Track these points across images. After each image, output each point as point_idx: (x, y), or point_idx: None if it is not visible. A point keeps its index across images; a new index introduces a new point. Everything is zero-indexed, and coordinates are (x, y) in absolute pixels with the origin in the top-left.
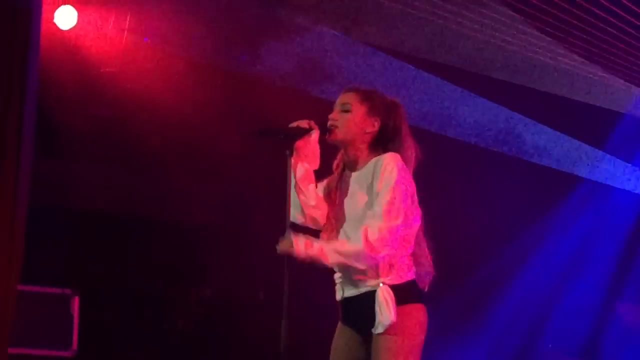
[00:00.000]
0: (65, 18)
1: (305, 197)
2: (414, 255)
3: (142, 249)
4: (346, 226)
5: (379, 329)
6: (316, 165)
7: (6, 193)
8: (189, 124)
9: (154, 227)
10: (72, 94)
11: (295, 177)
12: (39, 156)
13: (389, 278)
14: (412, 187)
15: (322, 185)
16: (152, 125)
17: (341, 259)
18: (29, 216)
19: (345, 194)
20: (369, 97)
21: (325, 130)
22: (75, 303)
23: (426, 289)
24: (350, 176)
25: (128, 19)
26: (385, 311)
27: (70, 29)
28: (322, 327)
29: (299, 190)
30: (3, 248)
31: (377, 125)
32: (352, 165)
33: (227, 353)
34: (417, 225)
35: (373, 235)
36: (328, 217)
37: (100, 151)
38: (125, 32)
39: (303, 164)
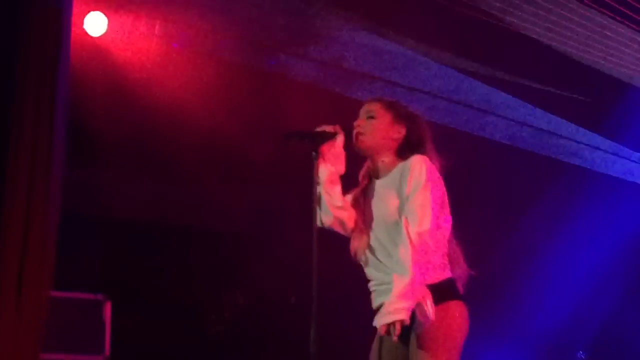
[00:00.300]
0: (95, 24)
1: (331, 198)
2: (449, 256)
3: (174, 255)
4: (377, 231)
5: (418, 329)
6: (342, 169)
7: (38, 200)
8: (220, 130)
9: (185, 234)
10: (103, 101)
11: (320, 178)
12: (70, 163)
13: (423, 279)
14: (441, 188)
15: (349, 195)
16: (183, 131)
17: (413, 277)
18: (61, 223)
19: (373, 200)
20: (393, 106)
21: (350, 136)
22: (108, 308)
23: (462, 290)
24: (376, 183)
25: (157, 25)
26: (424, 310)
27: (101, 35)
28: (352, 332)
29: (324, 191)
30: (35, 254)
31: (402, 132)
32: (378, 173)
33: (259, 358)
34: (448, 226)
35: (415, 242)
36: (357, 223)
37: (132, 158)
38: (155, 38)
39: (328, 166)
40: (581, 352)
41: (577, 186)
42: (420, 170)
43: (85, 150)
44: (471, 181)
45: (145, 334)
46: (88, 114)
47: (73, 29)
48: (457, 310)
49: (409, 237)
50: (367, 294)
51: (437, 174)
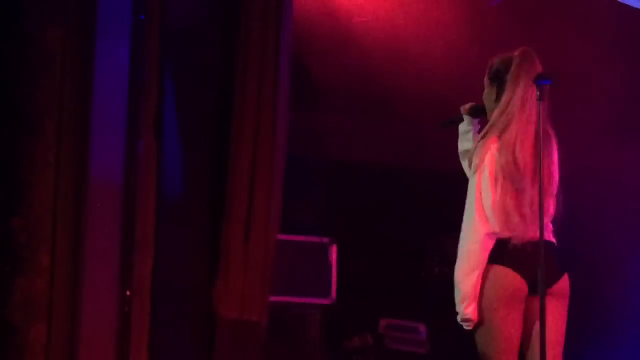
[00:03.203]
0: None
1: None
2: None
3: (398, 198)
4: None
5: None
6: None
7: (265, 145)
8: (441, 71)
9: (409, 177)
10: (325, 45)
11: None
12: (294, 108)
13: None
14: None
15: None
16: (403, 74)
17: None
18: (287, 167)
19: None
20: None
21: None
22: (334, 251)
23: None
24: None
25: None
26: None
27: None
28: None
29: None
30: (263, 198)
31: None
32: None
33: None
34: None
35: None
36: None
37: (353, 101)
38: None
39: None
40: None
41: None
42: None
43: (308, 95)
44: None
45: (369, 277)
46: (311, 59)
47: None
48: None
49: None
50: None
51: None
